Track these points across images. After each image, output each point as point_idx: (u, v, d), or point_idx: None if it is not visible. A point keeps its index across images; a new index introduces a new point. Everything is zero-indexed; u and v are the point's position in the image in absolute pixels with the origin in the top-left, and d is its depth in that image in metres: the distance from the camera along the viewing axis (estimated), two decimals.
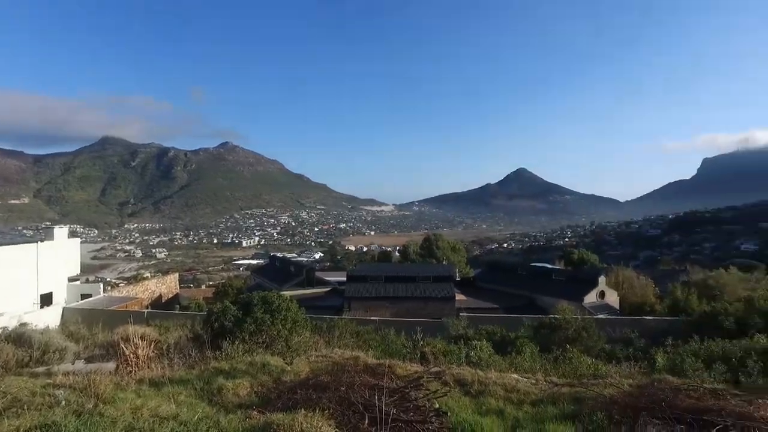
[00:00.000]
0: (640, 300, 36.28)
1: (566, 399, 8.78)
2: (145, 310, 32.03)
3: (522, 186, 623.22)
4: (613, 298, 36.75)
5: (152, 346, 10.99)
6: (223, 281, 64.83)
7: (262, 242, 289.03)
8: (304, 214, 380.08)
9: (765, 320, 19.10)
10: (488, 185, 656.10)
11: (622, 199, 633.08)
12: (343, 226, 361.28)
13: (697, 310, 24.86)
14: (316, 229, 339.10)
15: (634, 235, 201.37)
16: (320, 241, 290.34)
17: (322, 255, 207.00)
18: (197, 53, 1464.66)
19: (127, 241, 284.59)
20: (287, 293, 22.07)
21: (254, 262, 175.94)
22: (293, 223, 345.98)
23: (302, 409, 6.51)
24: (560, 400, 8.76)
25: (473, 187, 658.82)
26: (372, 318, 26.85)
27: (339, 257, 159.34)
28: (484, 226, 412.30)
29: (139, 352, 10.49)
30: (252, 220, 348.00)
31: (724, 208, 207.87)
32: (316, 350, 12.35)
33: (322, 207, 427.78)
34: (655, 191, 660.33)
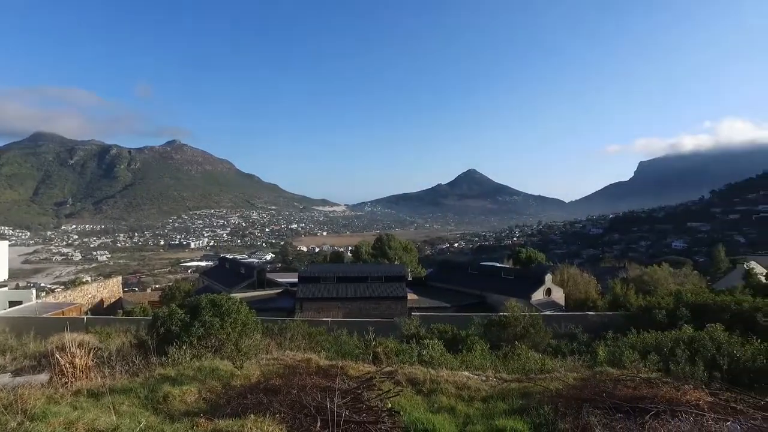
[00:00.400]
0: (584, 296, 37.78)
1: (515, 394, 9.02)
2: (84, 317, 30.36)
3: (472, 186, 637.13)
4: (558, 295, 38.14)
5: (91, 354, 10.36)
6: (171, 284, 62.52)
7: (211, 243, 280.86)
8: (254, 215, 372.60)
9: (692, 312, 20.36)
10: (439, 186, 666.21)
11: (567, 200, 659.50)
12: (294, 226, 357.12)
13: (635, 304, 26.09)
14: (267, 229, 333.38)
15: (578, 234, 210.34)
16: (271, 242, 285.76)
17: (273, 256, 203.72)
18: (142, 49, 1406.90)
19: (64, 243, 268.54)
20: (237, 295, 21.53)
21: (203, 264, 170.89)
22: (244, 224, 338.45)
23: (252, 415, 6.38)
24: (509, 395, 8.99)
25: (425, 188, 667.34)
26: (324, 319, 26.64)
27: (291, 258, 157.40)
28: (435, 226, 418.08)
29: (77, 361, 9.79)
30: (201, 221, 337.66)
31: (657, 208, 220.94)
32: (267, 353, 12.12)
33: (274, 207, 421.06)
34: (597, 192, 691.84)
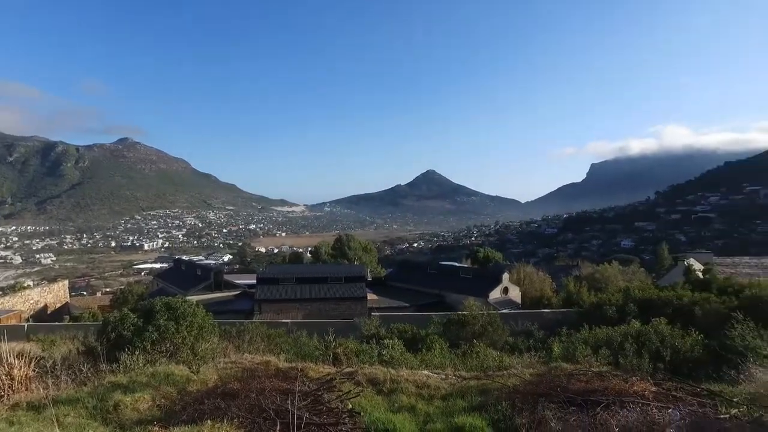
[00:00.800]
0: (539, 294, 38.85)
1: (474, 391, 9.17)
2: (25, 324, 28.77)
3: (431, 187, 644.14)
4: (515, 293, 39.08)
5: (32, 364, 9.73)
6: (122, 287, 60.11)
7: (166, 245, 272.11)
8: (211, 215, 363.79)
9: (639, 307, 21.33)
10: (399, 186, 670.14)
11: (523, 200, 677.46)
12: (253, 227, 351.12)
13: (587, 301, 27.04)
14: (224, 230, 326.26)
15: (533, 233, 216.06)
16: (229, 243, 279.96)
17: (231, 257, 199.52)
18: (92, 44, 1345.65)
19: (2, 246, 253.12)
20: (193, 298, 20.94)
21: (157, 266, 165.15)
22: (200, 225, 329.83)
23: (209, 420, 6.23)
24: (468, 393, 9.13)
25: (384, 188, 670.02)
26: (284, 320, 26.34)
27: (249, 259, 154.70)
28: (395, 226, 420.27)
29: (15, 372, 9.11)
30: (155, 222, 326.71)
31: (608, 208, 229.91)
32: (225, 356, 11.85)
33: (231, 208, 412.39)
34: (551, 193, 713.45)
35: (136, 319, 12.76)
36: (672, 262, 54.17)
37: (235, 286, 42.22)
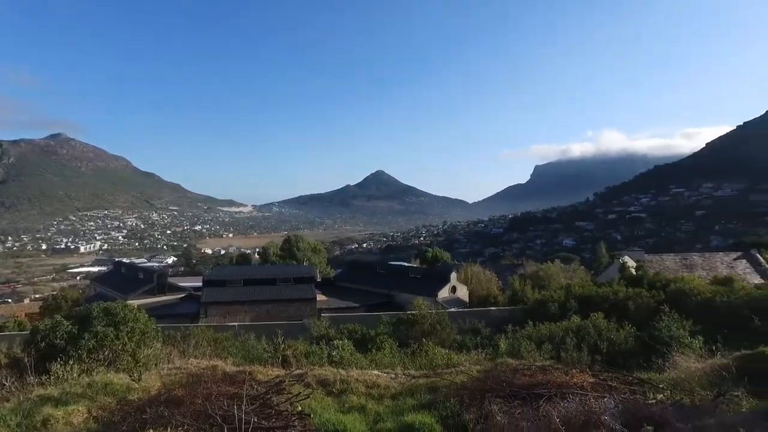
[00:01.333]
0: (486, 293, 39.79)
1: (423, 389, 9.30)
2: None
3: (380, 187, 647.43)
4: (463, 292, 39.88)
5: None
6: (55, 293, 56.44)
7: (104, 247, 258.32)
8: (155, 216, 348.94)
9: (579, 303, 22.32)
10: (348, 187, 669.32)
11: (470, 201, 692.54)
12: (199, 228, 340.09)
13: (531, 299, 27.97)
14: (168, 231, 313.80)
15: (480, 233, 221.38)
16: (173, 245, 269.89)
17: (175, 259, 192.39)
18: (21, 34, 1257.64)
19: None
20: (135, 302, 20.04)
21: (95, 269, 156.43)
22: (142, 226, 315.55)
23: (151, 429, 5.99)
24: (418, 391, 9.25)
25: (334, 189, 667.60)
26: (231, 323, 25.74)
27: (195, 261, 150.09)
28: (344, 226, 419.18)
29: None
30: (92, 223, 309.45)
31: (551, 209, 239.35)
32: (169, 363, 11.42)
33: (176, 208, 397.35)
34: (498, 193, 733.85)
35: (70, 326, 12.04)
36: (609, 259, 56.92)
37: (180, 289, 40.77)
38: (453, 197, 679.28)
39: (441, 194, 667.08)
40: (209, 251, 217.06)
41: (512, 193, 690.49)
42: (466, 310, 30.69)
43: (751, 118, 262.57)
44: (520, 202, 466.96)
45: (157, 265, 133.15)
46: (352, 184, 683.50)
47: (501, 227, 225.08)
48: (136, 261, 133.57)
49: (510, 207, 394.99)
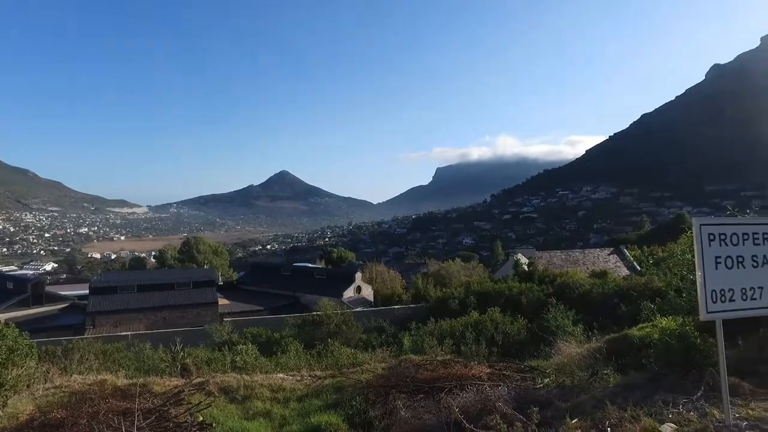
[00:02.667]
0: (391, 291, 40.62)
1: (329, 390, 9.33)
2: None
3: (284, 188, 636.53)
4: (368, 292, 40.44)
5: None
6: None
7: None
8: (29, 218, 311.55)
9: (478, 299, 23.58)
10: (251, 187, 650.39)
11: (375, 201, 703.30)
12: (84, 230, 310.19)
13: (434, 296, 29.05)
14: (46, 235, 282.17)
15: (384, 233, 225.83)
16: (53, 250, 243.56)
17: (55, 266, 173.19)
18: None
19: None
20: (2, 316, 17.91)
21: None
22: (12, 229, 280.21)
23: None
24: (324, 391, 9.26)
25: (236, 189, 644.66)
26: (124, 333, 23.92)
27: (80, 267, 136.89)
28: (247, 227, 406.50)
29: None
30: None
31: (451, 209, 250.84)
32: (46, 382, 10.26)
33: (56, 209, 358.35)
34: (401, 194, 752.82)
35: None
36: (504, 257, 60.79)
37: (61, 299, 36.97)
38: (358, 198, 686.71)
39: (346, 195, 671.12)
40: (97, 256, 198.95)
41: (415, 194, 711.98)
42: (371, 309, 31.13)
43: (619, 129, 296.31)
44: (422, 203, 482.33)
45: (32, 272, 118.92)
46: (255, 184, 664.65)
47: (405, 227, 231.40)
48: (4, 269, 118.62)
49: (413, 208, 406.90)
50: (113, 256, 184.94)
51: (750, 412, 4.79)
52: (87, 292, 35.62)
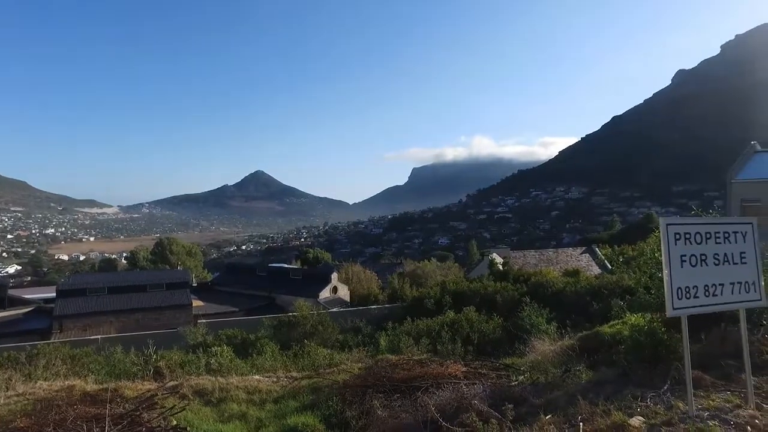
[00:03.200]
0: (367, 292, 40.55)
1: (306, 391, 9.29)
2: None
3: (260, 188, 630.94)
4: (344, 292, 40.35)
5: None
6: None
7: None
8: None
9: (453, 298, 23.78)
10: (226, 187, 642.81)
11: (351, 202, 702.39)
12: (51, 231, 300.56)
13: (410, 296, 29.12)
14: (9, 236, 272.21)
15: (361, 234, 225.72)
16: (17, 251, 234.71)
17: (19, 268, 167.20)
18: None
19: None
20: None
21: None
22: None
23: None
24: (300, 393, 9.22)
25: (210, 189, 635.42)
26: (94, 337, 23.26)
27: (46, 269, 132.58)
28: (222, 228, 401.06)
29: None
30: None
31: (427, 210, 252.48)
32: (8, 390, 9.90)
33: (20, 209, 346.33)
34: (377, 194, 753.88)
35: None
36: (479, 256, 61.39)
37: (25, 303, 35.66)
38: (334, 198, 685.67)
39: (322, 195, 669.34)
40: (65, 257, 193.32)
41: (391, 194, 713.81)
42: (347, 309, 31.03)
43: (591, 131, 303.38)
44: (398, 203, 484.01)
45: None
46: (230, 184, 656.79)
47: (381, 227, 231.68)
48: None
49: (389, 208, 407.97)
50: (82, 258, 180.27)
51: (711, 402, 5.01)
52: (54, 295, 34.54)
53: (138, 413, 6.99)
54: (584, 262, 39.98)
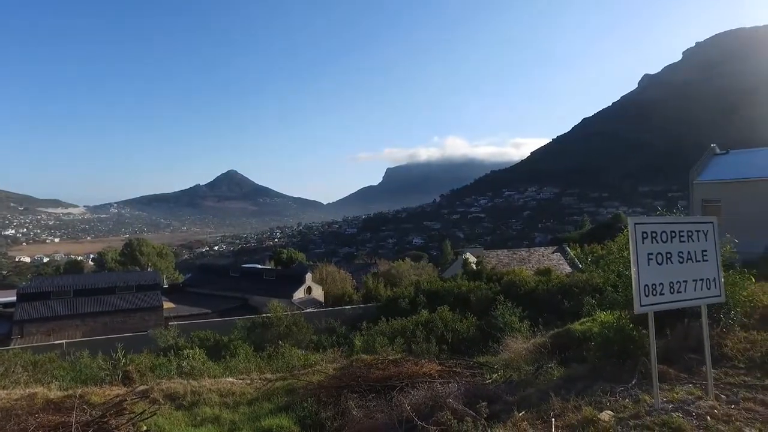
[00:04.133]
0: (341, 292, 40.54)
1: (280, 392, 9.20)
2: None
3: (233, 188, 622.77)
4: (319, 293, 40.17)
5: None
6: None
7: None
8: None
9: (428, 298, 23.96)
10: (198, 186, 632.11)
11: (325, 202, 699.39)
12: (11, 232, 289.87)
13: (384, 296, 29.24)
14: None
15: (335, 234, 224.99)
16: None
17: None
18: None
19: None
20: None
21: None
22: None
23: None
24: (275, 394, 9.13)
25: (182, 188, 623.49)
26: (58, 342, 22.51)
27: (5, 272, 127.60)
28: (194, 228, 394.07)
29: None
30: None
31: (401, 210, 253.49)
32: None
33: None
34: (352, 195, 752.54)
35: None
36: (453, 256, 61.91)
37: None
38: (308, 198, 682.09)
39: (296, 195, 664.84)
40: (27, 259, 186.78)
41: (366, 194, 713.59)
42: (322, 309, 30.97)
43: (562, 132, 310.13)
44: (372, 203, 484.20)
45: None
46: (202, 183, 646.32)
47: (355, 227, 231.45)
48: None
49: (363, 208, 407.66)
50: (45, 260, 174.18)
51: (675, 395, 5.23)
52: (14, 299, 33.30)
53: (105, 420, 6.80)
54: (555, 261, 40.76)
